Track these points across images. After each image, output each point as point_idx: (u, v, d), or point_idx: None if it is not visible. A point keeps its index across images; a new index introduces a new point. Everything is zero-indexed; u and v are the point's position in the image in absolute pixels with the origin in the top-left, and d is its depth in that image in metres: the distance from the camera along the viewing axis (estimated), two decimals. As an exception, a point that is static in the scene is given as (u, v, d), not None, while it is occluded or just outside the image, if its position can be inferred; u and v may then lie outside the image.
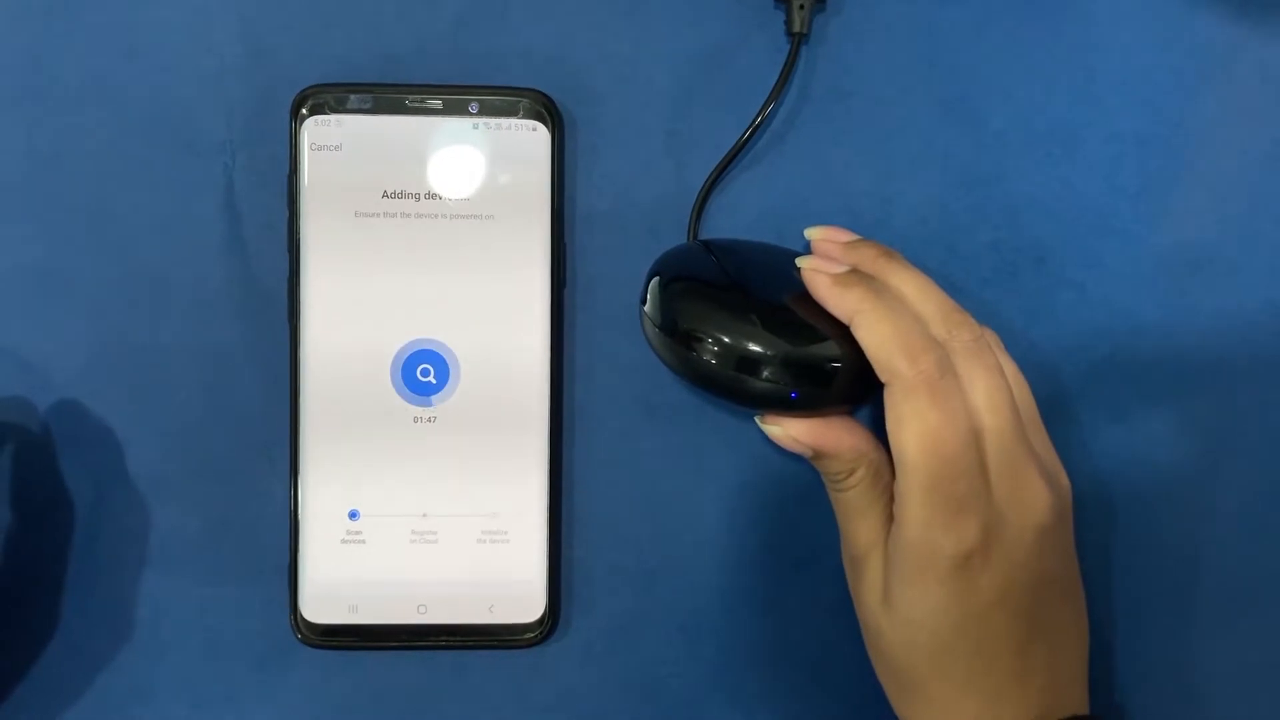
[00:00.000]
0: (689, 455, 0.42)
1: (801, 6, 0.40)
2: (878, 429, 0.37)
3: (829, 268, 0.37)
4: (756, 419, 0.39)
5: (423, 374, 0.40)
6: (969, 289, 0.42)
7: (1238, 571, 0.42)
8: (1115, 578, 0.42)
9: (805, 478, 0.42)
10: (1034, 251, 0.42)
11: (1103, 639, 0.42)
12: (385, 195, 0.40)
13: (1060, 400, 0.42)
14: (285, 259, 0.40)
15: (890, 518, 0.37)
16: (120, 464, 0.41)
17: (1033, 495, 0.36)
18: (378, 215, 0.40)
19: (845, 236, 0.40)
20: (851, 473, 0.38)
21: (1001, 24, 0.42)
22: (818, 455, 0.38)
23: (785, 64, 0.41)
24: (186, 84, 0.41)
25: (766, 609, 0.42)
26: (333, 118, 0.40)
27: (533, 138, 0.40)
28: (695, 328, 0.38)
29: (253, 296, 0.41)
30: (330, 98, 0.40)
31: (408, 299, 0.40)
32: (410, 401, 0.40)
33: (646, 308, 0.39)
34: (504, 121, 0.40)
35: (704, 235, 0.41)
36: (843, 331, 0.37)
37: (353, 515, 0.40)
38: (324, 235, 0.40)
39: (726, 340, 0.37)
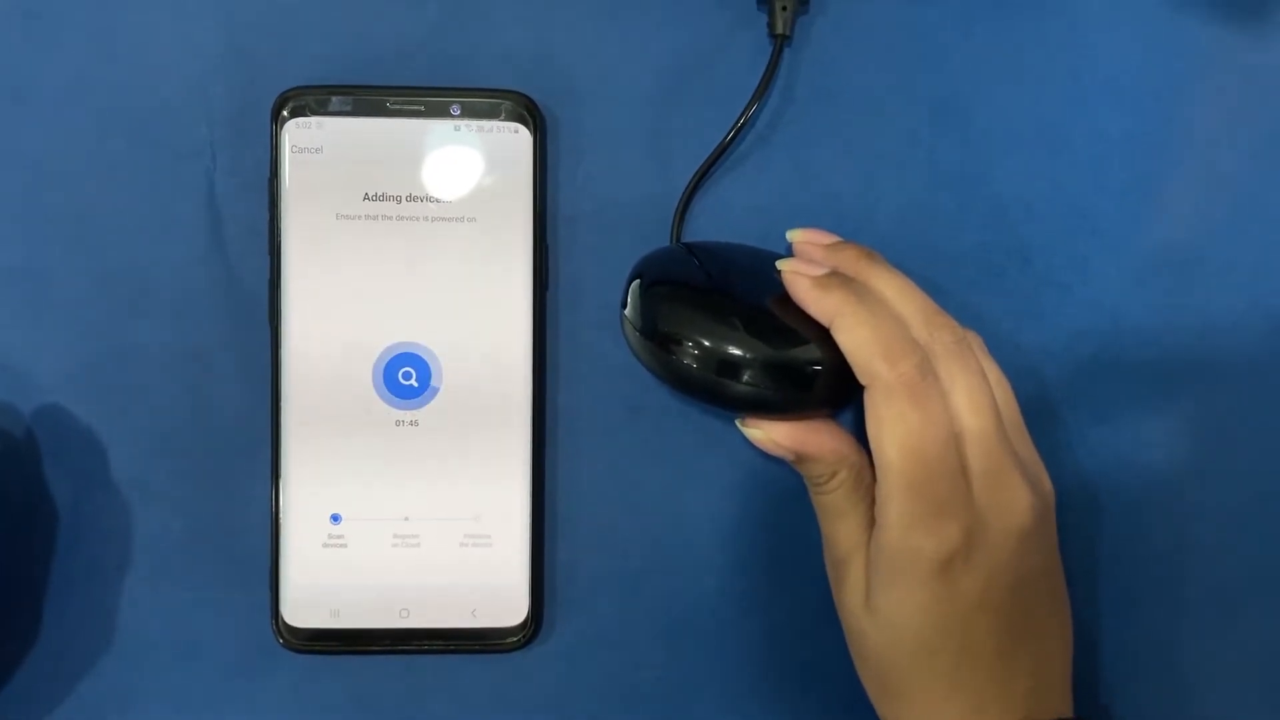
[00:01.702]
0: (673, 458, 0.42)
1: (784, 8, 0.40)
2: (859, 432, 0.37)
3: (809, 270, 0.37)
4: (737, 422, 0.39)
5: (405, 377, 0.40)
6: (954, 290, 0.42)
7: (1223, 572, 0.42)
8: (1100, 579, 0.42)
9: (789, 481, 0.41)
10: (1019, 252, 0.42)
11: (1087, 641, 0.42)
12: (367, 197, 0.40)
13: (1045, 401, 0.42)
14: (266, 261, 0.40)
15: (872, 520, 0.37)
16: (101, 467, 0.41)
17: (1014, 497, 0.36)
18: (359, 218, 0.40)
19: (827, 239, 0.40)
20: (833, 475, 0.37)
21: (986, 24, 0.42)
22: (799, 458, 0.38)
23: (768, 65, 0.41)
24: (167, 86, 0.41)
25: (751, 611, 0.42)
26: (314, 120, 0.40)
27: (515, 139, 0.40)
28: (675, 331, 0.37)
29: (234, 299, 0.41)
30: (311, 100, 0.40)
31: (389, 301, 0.40)
32: (392, 404, 0.40)
33: (627, 311, 0.39)
34: (486, 123, 0.40)
35: (688, 237, 0.41)
36: (823, 334, 0.37)
37: (334, 519, 0.40)
38: (305, 238, 0.40)
39: (706, 343, 0.37)
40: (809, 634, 0.42)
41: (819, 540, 0.40)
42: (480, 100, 0.40)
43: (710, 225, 0.42)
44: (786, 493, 0.42)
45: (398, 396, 0.40)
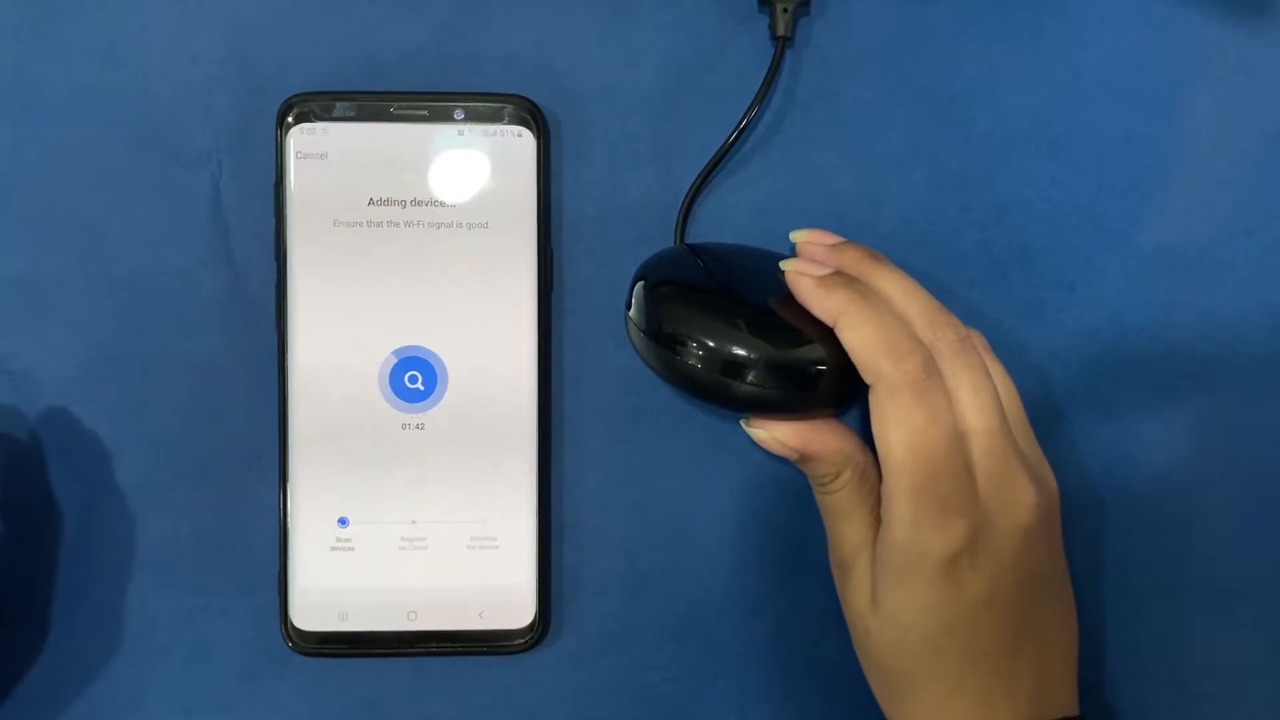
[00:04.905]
0: (678, 459, 0.42)
1: (785, 9, 0.40)
2: (864, 431, 0.37)
3: (813, 270, 0.37)
4: (742, 422, 0.39)
5: (411, 381, 0.40)
6: (957, 290, 0.42)
7: (1228, 571, 0.42)
8: (1105, 578, 0.42)
9: (794, 481, 0.41)
10: (1022, 252, 0.42)
11: (1093, 639, 0.42)
12: (371, 203, 0.40)
13: (1049, 400, 0.42)
14: (272, 267, 0.40)
15: (877, 520, 0.37)
16: (109, 473, 0.41)
17: (1019, 495, 0.36)
18: (364, 223, 0.40)
19: (830, 239, 0.40)
20: (837, 475, 0.38)
21: (987, 24, 0.42)
22: (803, 458, 0.38)
23: (770, 67, 0.41)
24: (172, 94, 0.41)
25: (757, 612, 0.42)
26: (318, 126, 0.40)
27: (518, 143, 0.40)
28: (679, 331, 0.38)
29: (240, 305, 0.41)
30: (316, 106, 0.40)
31: (395, 306, 0.40)
32: (399, 409, 0.40)
33: (631, 312, 0.39)
34: (489, 128, 0.40)
35: (691, 239, 0.41)
36: (827, 334, 0.37)
37: (342, 522, 0.40)
38: (310, 243, 0.40)
39: (710, 344, 0.37)
40: (815, 634, 0.42)
41: (824, 541, 0.40)
42: (484, 104, 0.40)
43: (713, 226, 0.42)
44: (792, 493, 0.42)
45: (404, 400, 0.40)
